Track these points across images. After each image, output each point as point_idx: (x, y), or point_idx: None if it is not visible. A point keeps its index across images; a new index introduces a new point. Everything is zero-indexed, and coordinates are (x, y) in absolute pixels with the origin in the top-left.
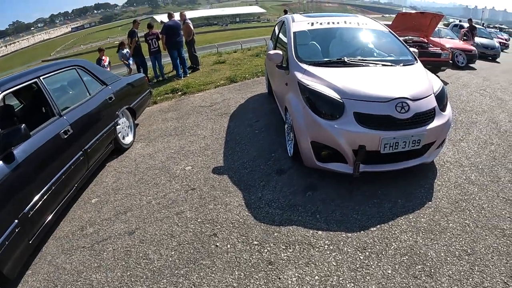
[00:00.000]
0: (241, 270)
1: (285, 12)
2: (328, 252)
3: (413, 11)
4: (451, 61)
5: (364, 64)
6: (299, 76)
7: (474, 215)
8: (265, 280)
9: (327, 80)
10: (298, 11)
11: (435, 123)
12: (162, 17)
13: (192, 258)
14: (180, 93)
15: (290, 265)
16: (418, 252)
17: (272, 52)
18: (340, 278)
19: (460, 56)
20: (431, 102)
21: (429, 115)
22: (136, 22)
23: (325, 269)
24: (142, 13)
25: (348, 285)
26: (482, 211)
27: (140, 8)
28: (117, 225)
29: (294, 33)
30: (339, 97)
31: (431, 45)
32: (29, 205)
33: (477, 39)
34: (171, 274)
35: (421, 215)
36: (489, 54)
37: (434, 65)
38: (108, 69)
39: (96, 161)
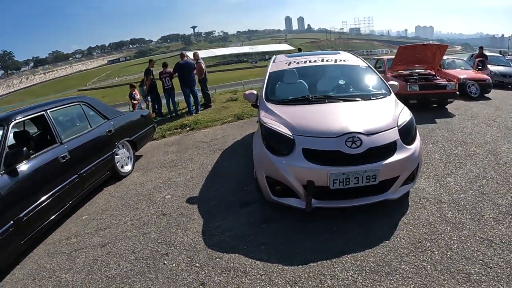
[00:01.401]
0: (176, 286)
1: (299, 50)
2: (258, 282)
3: (415, 44)
4: (458, 92)
5: (327, 100)
6: (262, 114)
7: (436, 257)
8: None
9: (284, 117)
10: (326, 48)
11: (396, 157)
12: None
13: (141, 271)
14: (188, 128)
15: None
16: None
17: (247, 92)
18: None
19: (472, 86)
20: (392, 136)
21: (388, 149)
22: (152, 61)
23: None
24: (175, 49)
25: None
26: (448, 253)
27: (174, 44)
28: (95, 238)
29: (270, 73)
30: (291, 134)
31: (438, 77)
32: (24, 212)
33: (495, 67)
34: (121, 281)
35: (371, 254)
36: (508, 83)
37: (440, 97)
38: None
39: (91, 184)
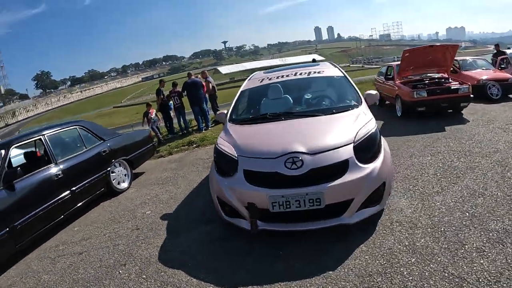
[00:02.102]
0: None
1: (313, 61)
2: None
3: (421, 46)
4: (472, 95)
5: (284, 118)
6: (220, 134)
7: None
8: None
9: (235, 138)
10: (356, 56)
11: (346, 178)
12: (226, 68)
13: (100, 277)
14: (194, 145)
15: None
16: None
17: (219, 112)
18: None
19: (493, 87)
20: (343, 154)
21: (336, 170)
22: (162, 81)
23: None
24: (207, 65)
25: None
26: None
27: (205, 60)
28: (77, 247)
29: (241, 91)
30: (235, 155)
31: (451, 80)
32: (19, 221)
33: None
34: (82, 284)
35: (307, 285)
36: None
37: (452, 102)
38: (159, 119)
39: (85, 200)
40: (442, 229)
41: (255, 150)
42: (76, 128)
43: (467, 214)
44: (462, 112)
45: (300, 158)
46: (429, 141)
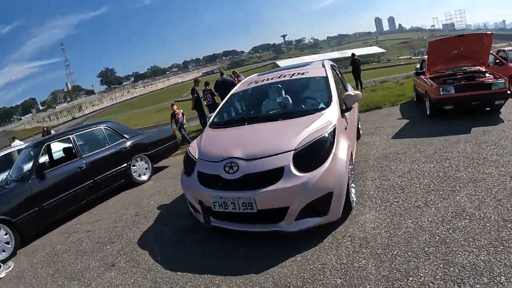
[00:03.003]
0: (100, 261)
1: (353, 56)
2: (139, 274)
3: (448, 36)
4: (510, 91)
5: (248, 122)
6: (198, 137)
7: None
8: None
9: (203, 141)
10: (418, 48)
11: (279, 185)
12: (285, 62)
13: (94, 249)
14: None
15: (114, 271)
16: None
17: (210, 115)
18: None
19: None
20: (280, 161)
21: (269, 176)
22: (196, 81)
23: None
24: (266, 59)
25: None
26: None
27: (265, 54)
28: (89, 226)
29: (229, 95)
30: (196, 157)
31: (488, 74)
32: (47, 203)
33: None
34: (79, 254)
35: (227, 281)
36: None
37: (485, 99)
38: (184, 120)
39: (106, 188)
40: (395, 253)
41: (208, 153)
42: (101, 128)
43: (437, 238)
44: (501, 110)
45: (236, 163)
46: (444, 144)
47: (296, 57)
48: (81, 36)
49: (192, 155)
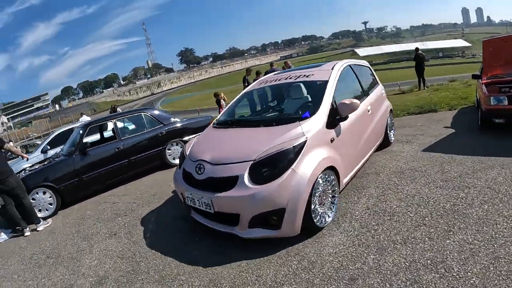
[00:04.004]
0: (107, 228)
1: (416, 50)
2: (132, 246)
3: (507, 36)
4: None
5: (235, 125)
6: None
7: None
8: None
9: (197, 140)
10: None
11: (231, 193)
12: (364, 51)
13: (109, 219)
14: None
15: (113, 239)
16: None
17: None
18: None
19: None
20: (237, 170)
21: (225, 183)
22: (248, 70)
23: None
24: (346, 46)
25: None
26: None
27: (345, 41)
28: (116, 199)
29: (241, 94)
30: (186, 154)
31: None
32: (86, 175)
33: None
34: (99, 221)
35: (166, 263)
36: None
37: None
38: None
39: (140, 168)
40: (333, 286)
41: (192, 152)
42: (141, 114)
43: (387, 287)
44: None
45: (204, 166)
46: (475, 167)
47: (376, 45)
48: (162, 17)
49: (185, 151)
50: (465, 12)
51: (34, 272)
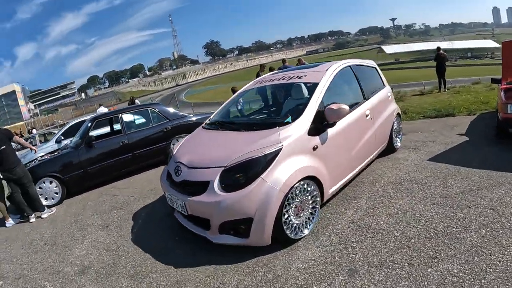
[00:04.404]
0: (104, 220)
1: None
2: (120, 238)
3: None
4: None
5: (220, 128)
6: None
7: None
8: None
9: (184, 140)
10: None
11: (201, 198)
12: (391, 48)
13: (107, 211)
14: None
15: (105, 231)
16: None
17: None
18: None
19: None
20: (209, 175)
21: (198, 187)
22: (262, 66)
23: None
24: (373, 42)
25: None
26: None
27: (371, 37)
28: (117, 191)
29: (237, 94)
30: (173, 154)
31: None
32: (90, 167)
33: None
34: (98, 213)
35: (141, 258)
36: None
37: None
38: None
39: (144, 161)
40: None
41: (176, 153)
42: (147, 109)
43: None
44: None
45: (180, 168)
46: (482, 183)
47: (404, 43)
48: (189, 8)
49: (172, 150)
50: (495, 11)
51: (31, 257)
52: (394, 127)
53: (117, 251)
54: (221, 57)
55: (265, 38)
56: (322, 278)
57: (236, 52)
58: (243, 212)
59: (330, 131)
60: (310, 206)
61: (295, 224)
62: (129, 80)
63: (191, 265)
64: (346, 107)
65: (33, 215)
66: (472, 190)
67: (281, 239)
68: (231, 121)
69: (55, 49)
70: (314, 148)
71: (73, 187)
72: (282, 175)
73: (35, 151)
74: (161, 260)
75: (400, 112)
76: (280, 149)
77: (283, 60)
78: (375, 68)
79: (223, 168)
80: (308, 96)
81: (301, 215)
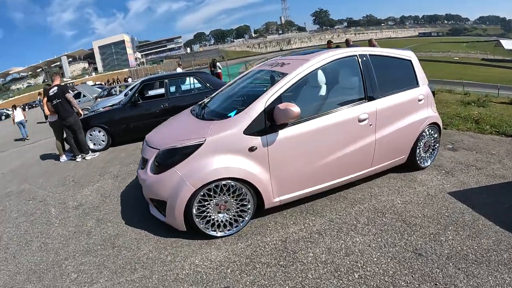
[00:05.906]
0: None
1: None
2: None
3: None
4: None
5: (194, 114)
6: None
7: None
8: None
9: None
10: None
11: (140, 172)
12: (510, 43)
13: (117, 172)
14: None
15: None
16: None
17: None
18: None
19: None
20: (151, 155)
21: (144, 163)
22: (329, 42)
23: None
24: (492, 34)
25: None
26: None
27: (491, 28)
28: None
29: (237, 78)
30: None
31: None
32: (133, 124)
33: None
34: (112, 177)
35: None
36: None
37: None
38: None
39: None
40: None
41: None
42: (190, 77)
43: None
44: None
45: (144, 143)
46: (492, 248)
47: None
48: None
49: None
50: None
51: (57, 189)
52: (424, 140)
53: (108, 197)
54: (328, 28)
55: (377, 13)
56: (203, 283)
57: (345, 24)
58: (159, 194)
59: (283, 134)
60: (237, 212)
61: (212, 220)
62: (234, 40)
63: (136, 225)
64: (296, 109)
65: (80, 155)
66: (465, 259)
67: (196, 230)
68: (200, 107)
69: (167, 4)
70: (251, 149)
71: (117, 137)
72: (197, 169)
73: (82, 114)
74: (126, 214)
75: (440, 123)
76: (202, 144)
77: (347, 41)
78: (410, 61)
79: (157, 151)
80: (265, 90)
81: (227, 213)
